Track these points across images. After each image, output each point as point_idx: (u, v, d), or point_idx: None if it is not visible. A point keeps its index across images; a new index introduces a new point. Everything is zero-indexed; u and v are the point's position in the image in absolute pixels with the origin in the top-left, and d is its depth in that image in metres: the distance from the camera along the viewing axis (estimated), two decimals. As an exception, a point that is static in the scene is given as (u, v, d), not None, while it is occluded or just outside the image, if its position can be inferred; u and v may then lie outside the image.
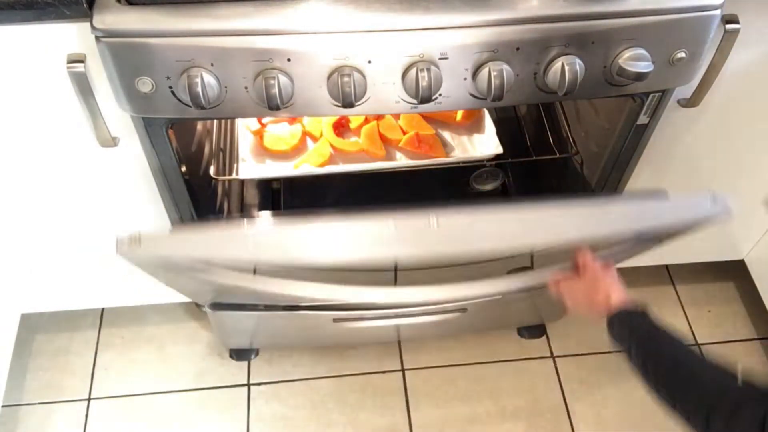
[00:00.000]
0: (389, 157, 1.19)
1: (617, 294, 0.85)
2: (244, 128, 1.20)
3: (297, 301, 0.97)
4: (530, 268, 0.96)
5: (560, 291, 0.92)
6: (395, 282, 0.90)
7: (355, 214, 0.80)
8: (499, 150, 1.17)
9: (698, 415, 0.68)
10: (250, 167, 1.16)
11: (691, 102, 0.98)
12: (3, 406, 1.31)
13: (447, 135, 1.23)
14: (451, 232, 0.80)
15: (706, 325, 1.57)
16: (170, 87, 0.77)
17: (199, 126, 1.17)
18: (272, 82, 0.76)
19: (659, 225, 0.86)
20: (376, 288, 0.87)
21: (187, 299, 1.34)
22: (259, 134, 1.19)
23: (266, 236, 0.81)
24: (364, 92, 0.79)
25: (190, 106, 0.78)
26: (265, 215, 1.15)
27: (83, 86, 0.82)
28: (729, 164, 1.18)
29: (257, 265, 0.84)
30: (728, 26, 0.86)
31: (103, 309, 1.54)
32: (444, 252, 0.81)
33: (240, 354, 1.47)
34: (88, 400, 1.40)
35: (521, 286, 0.90)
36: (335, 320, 1.32)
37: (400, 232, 0.78)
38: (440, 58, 0.77)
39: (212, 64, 0.76)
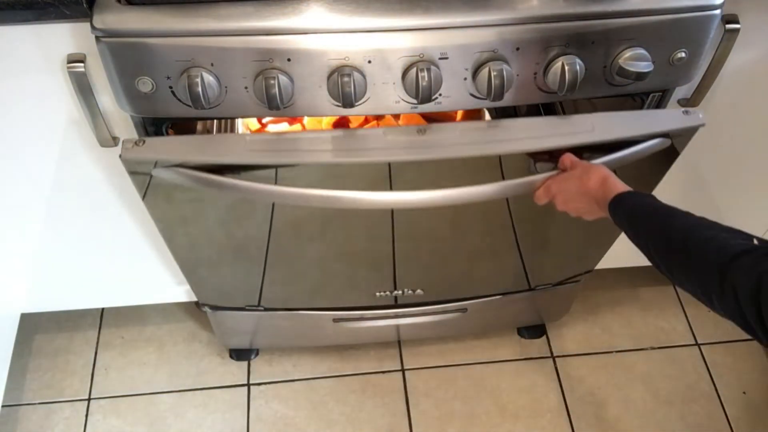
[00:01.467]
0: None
1: (613, 179, 0.81)
2: (244, 128, 1.20)
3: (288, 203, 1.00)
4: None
5: (551, 191, 0.88)
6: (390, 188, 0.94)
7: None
8: (499, 150, 1.17)
9: (713, 278, 0.64)
10: (250, 167, 1.16)
11: (691, 102, 0.98)
12: (3, 406, 1.31)
13: (447, 135, 1.23)
14: (440, 137, 0.85)
15: (706, 325, 1.57)
16: (170, 87, 0.77)
17: (199, 126, 1.17)
18: (272, 82, 0.76)
19: (635, 132, 0.88)
20: (371, 192, 0.90)
21: (186, 299, 1.34)
22: (259, 134, 1.19)
23: (266, 140, 0.84)
24: (364, 92, 0.79)
25: (190, 106, 0.78)
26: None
27: (83, 86, 0.82)
28: (729, 164, 1.18)
29: (255, 167, 0.87)
30: (728, 26, 0.86)
31: (103, 309, 1.54)
32: (433, 151, 0.85)
33: (240, 354, 1.47)
34: (88, 400, 1.40)
35: (512, 188, 0.91)
36: (335, 320, 1.32)
37: (389, 138, 0.85)
38: (440, 58, 0.77)
39: (212, 64, 0.76)
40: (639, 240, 0.75)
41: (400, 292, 1.23)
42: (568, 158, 0.88)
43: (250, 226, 1.02)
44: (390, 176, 0.91)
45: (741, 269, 0.62)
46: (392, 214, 1.04)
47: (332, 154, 0.84)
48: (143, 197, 0.91)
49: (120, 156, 0.81)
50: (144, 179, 0.87)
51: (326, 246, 1.10)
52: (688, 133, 0.91)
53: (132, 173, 0.86)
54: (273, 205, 0.97)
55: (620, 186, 0.80)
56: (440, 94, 0.81)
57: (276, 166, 0.86)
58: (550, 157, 0.90)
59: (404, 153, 0.85)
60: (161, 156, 0.82)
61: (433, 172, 0.91)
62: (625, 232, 0.78)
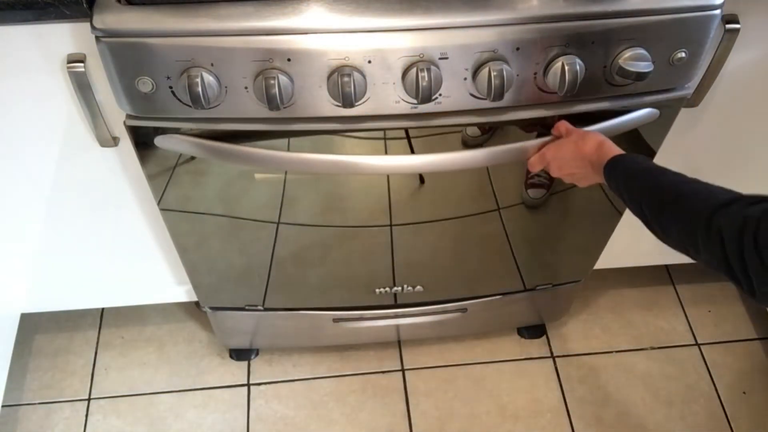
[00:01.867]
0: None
1: (608, 144, 0.83)
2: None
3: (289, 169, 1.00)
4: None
5: (546, 157, 0.89)
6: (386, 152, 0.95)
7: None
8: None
9: (700, 223, 0.66)
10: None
11: (691, 102, 0.98)
12: (3, 406, 1.31)
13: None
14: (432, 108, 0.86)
15: (706, 325, 1.57)
16: (170, 87, 0.77)
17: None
18: (272, 82, 0.76)
19: (622, 101, 0.89)
20: (368, 156, 0.91)
21: (186, 299, 1.34)
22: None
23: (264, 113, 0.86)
24: (364, 92, 0.79)
25: (190, 106, 0.78)
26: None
27: (83, 86, 0.82)
28: (729, 164, 1.18)
29: (253, 134, 0.89)
30: (728, 26, 0.86)
31: (103, 309, 1.54)
32: (425, 119, 0.87)
33: (240, 354, 1.47)
34: (88, 400, 1.40)
35: (506, 153, 0.92)
36: (335, 320, 1.32)
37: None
38: (440, 58, 0.77)
39: (212, 64, 0.76)
40: (632, 198, 0.77)
41: (399, 288, 1.24)
42: (563, 125, 0.89)
43: (257, 217, 1.02)
44: (386, 150, 0.92)
45: (728, 214, 0.64)
46: (390, 212, 1.04)
47: (328, 124, 0.85)
48: (150, 179, 0.92)
49: (124, 123, 0.82)
50: (149, 154, 0.88)
51: (328, 241, 1.10)
52: (675, 104, 0.92)
53: (138, 148, 0.87)
54: (282, 197, 0.98)
55: (616, 150, 0.82)
56: (440, 94, 0.81)
57: (271, 134, 0.87)
58: (543, 126, 0.91)
59: (398, 121, 0.86)
60: (163, 122, 0.84)
61: (427, 148, 0.91)
62: (619, 194, 0.79)
